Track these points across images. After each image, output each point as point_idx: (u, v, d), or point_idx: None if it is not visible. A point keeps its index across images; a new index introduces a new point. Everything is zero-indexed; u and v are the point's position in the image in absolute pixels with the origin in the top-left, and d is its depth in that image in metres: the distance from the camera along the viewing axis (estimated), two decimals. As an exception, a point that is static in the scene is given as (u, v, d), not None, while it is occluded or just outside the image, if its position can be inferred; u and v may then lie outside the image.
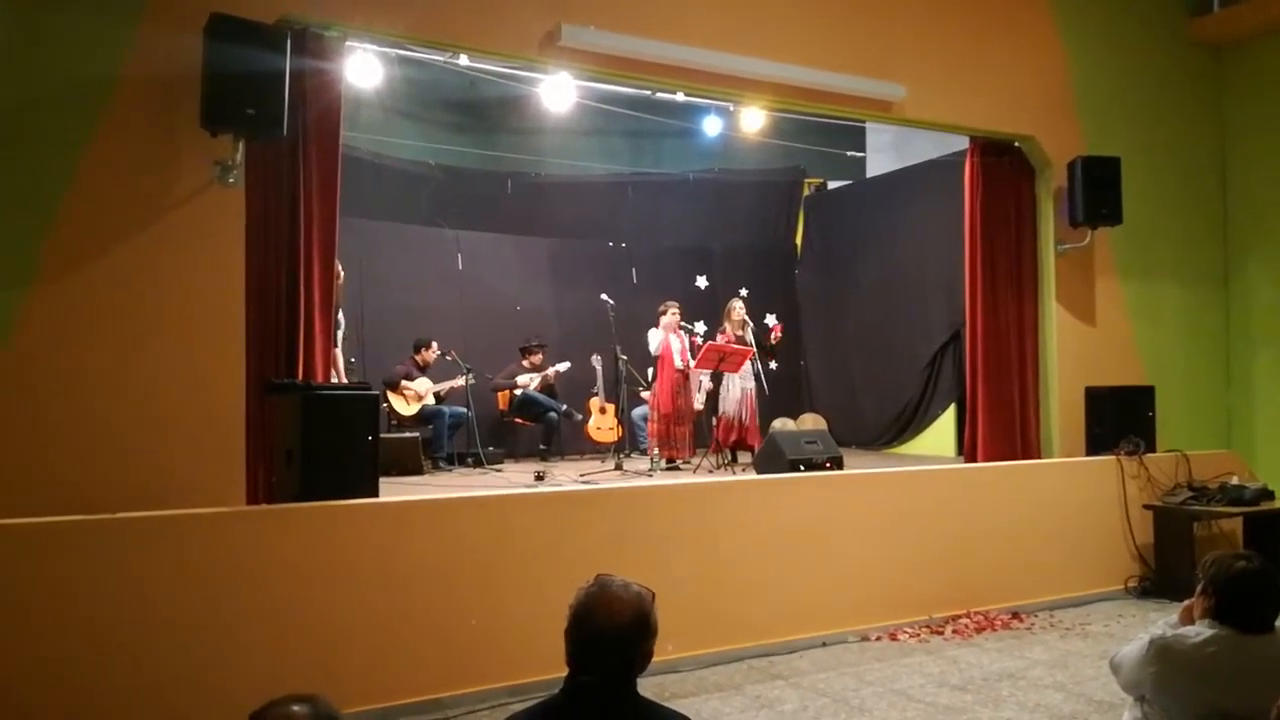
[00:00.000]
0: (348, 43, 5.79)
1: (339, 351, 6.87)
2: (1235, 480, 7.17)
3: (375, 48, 6.75)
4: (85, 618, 4.04)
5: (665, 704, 2.30)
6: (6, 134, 4.44)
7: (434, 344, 8.75)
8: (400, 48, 6.67)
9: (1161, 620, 2.97)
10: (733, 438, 8.13)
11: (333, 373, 5.79)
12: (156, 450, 4.59)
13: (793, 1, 6.61)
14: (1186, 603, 2.95)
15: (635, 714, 2.04)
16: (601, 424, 9.26)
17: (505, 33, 5.75)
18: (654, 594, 2.18)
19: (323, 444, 4.59)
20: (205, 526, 4.34)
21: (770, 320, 10.52)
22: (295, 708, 1.60)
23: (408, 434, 8.01)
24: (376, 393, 5.27)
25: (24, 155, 4.48)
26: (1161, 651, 2.77)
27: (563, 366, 9.32)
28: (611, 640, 2.04)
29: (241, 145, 4.82)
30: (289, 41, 4.84)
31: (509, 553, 4.98)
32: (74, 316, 4.51)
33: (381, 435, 5.35)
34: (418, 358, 8.71)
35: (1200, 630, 2.79)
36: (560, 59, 5.96)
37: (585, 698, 2.02)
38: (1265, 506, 7.02)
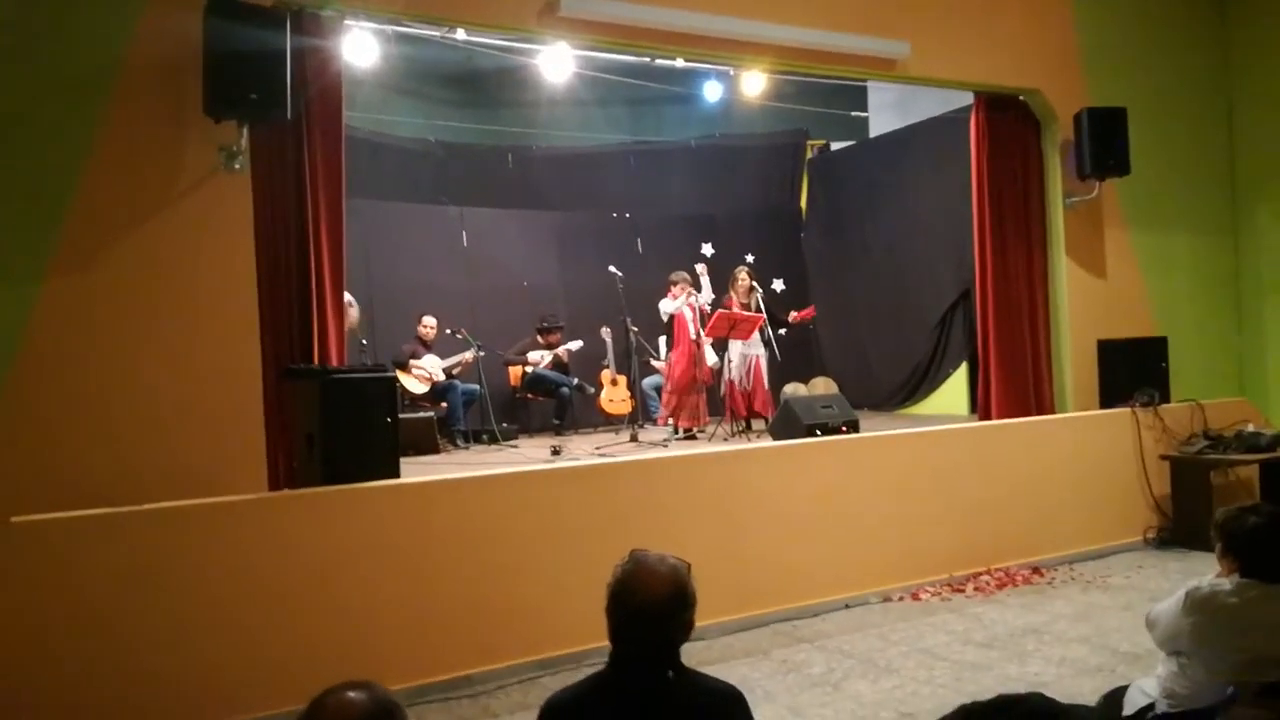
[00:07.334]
0: (344, 21, 5.73)
1: None
2: (1251, 427, 7.17)
3: (371, 25, 6.69)
4: (114, 612, 4.07)
5: (713, 666, 2.31)
6: (15, 127, 4.41)
7: (425, 318, 8.69)
8: (396, 24, 6.61)
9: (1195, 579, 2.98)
10: (738, 404, 8.12)
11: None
12: (177, 440, 4.60)
13: (793, -39, 6.53)
14: None
15: (681, 685, 2.06)
16: (614, 396, 9.25)
17: (504, 4, 5.69)
18: (689, 565, 2.19)
19: (343, 428, 4.60)
20: (232, 514, 4.37)
21: (779, 285, 10.52)
22: (352, 694, 1.61)
23: (423, 414, 8.01)
24: (393, 375, 5.27)
25: (34, 147, 4.44)
26: (1199, 603, 2.79)
27: (574, 345, 9.30)
28: (652, 614, 2.06)
29: (246, 130, 4.78)
30: (289, 22, 4.79)
31: (531, 528, 5.00)
32: (89, 308, 4.50)
33: (398, 416, 5.34)
34: (418, 334, 8.70)
35: (1235, 580, 2.80)
36: (560, 29, 5.89)
37: (631, 670, 2.04)
38: (1281, 452, 7.03)
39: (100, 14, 4.57)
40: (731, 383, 8.12)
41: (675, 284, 8.38)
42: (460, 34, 6.80)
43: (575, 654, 4.81)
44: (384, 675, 4.36)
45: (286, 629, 4.36)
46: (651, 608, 2.05)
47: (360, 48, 7.03)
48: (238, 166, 4.81)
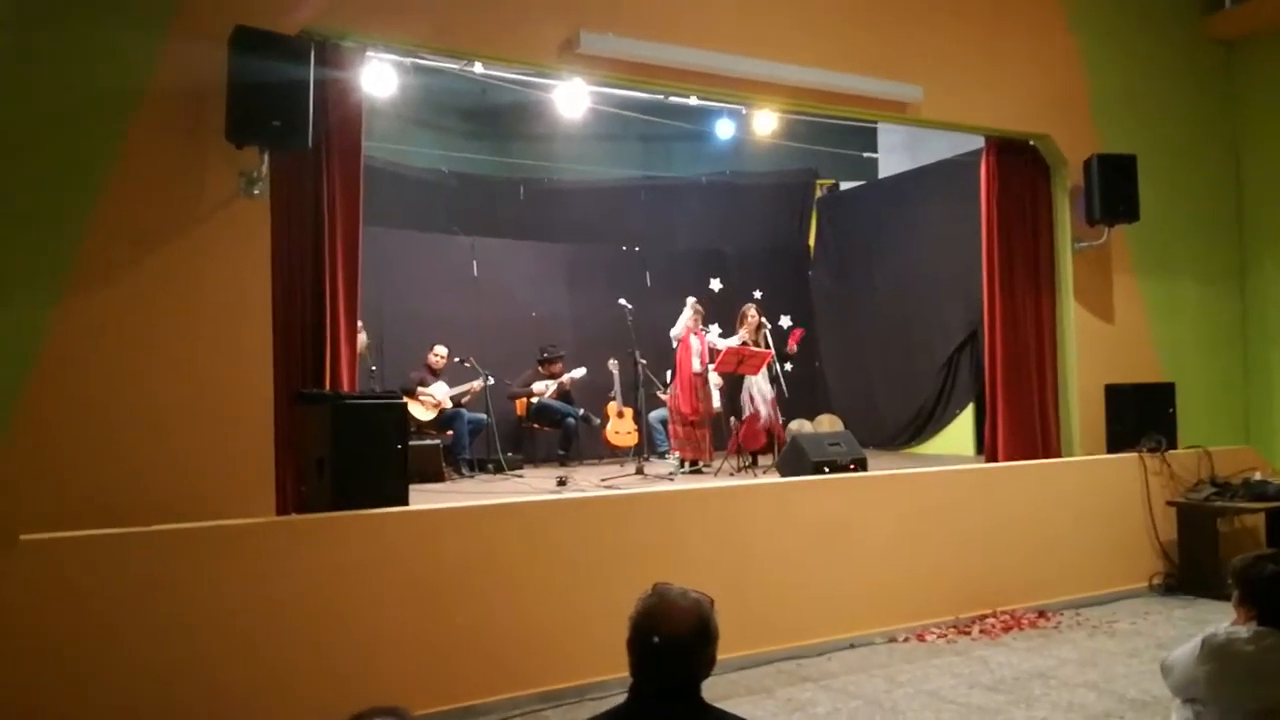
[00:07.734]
0: (365, 52, 5.80)
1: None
2: (1258, 475, 7.15)
3: (390, 56, 6.77)
4: (123, 631, 4.05)
5: (719, 704, 2.30)
6: (36, 147, 4.46)
7: (436, 347, 8.74)
8: (415, 56, 6.69)
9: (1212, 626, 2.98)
10: (763, 441, 8.09)
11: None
12: (188, 460, 4.60)
13: (809, 4, 6.62)
14: None
15: (701, 720, 2.05)
16: (620, 428, 9.26)
17: (523, 40, 5.76)
18: (713, 600, 2.18)
19: (354, 453, 4.61)
20: (242, 537, 4.36)
21: (786, 322, 10.54)
22: (380, 720, 1.61)
23: (429, 442, 8.01)
24: (404, 401, 5.29)
25: (54, 168, 4.48)
26: (1215, 650, 2.79)
27: (578, 373, 9.31)
28: (674, 649, 2.05)
29: (266, 157, 4.84)
30: (312, 53, 4.86)
31: (538, 559, 4.99)
32: (104, 327, 4.52)
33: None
34: (427, 362, 8.73)
35: (1252, 628, 2.80)
36: (578, 66, 5.97)
37: (653, 706, 2.03)
38: (1288, 501, 7.01)
39: (127, 38, 4.63)
40: (756, 415, 8.08)
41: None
42: (478, 67, 6.90)
43: (580, 687, 4.76)
44: (388, 702, 4.36)
45: (295, 652, 4.33)
46: (674, 642, 2.04)
47: (379, 78, 7.11)
48: (257, 192, 4.86)
